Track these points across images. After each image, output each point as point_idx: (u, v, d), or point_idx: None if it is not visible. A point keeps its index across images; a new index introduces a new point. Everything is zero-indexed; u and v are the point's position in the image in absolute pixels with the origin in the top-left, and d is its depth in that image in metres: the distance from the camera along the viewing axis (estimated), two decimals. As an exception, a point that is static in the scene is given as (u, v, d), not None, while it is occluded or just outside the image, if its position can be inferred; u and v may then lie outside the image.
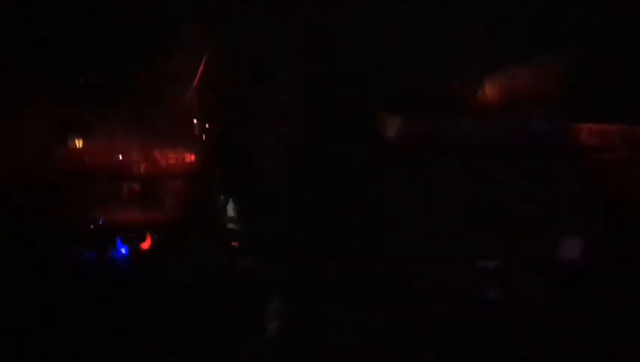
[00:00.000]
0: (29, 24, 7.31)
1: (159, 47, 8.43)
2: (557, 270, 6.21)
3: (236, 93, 8.20)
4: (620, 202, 7.16)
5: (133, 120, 8.81)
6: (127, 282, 6.72)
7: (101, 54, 8.15)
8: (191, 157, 9.80)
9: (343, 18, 7.11)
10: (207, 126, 9.69)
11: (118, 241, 7.41)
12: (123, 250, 7.40)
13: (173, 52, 8.61)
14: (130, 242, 7.49)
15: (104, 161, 8.61)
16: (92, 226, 7.53)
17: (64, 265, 6.62)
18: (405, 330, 5.10)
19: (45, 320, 5.84)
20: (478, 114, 7.12)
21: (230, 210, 10.42)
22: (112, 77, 8.47)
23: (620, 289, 5.82)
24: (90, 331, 5.65)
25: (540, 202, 6.43)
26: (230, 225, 10.13)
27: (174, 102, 9.17)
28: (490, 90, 9.29)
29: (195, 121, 9.62)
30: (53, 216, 7.18)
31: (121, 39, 8.20)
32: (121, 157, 9.16)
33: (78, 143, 8.70)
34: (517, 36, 7.85)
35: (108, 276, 6.76)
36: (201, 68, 8.86)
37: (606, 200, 7.23)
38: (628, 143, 7.91)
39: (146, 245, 7.64)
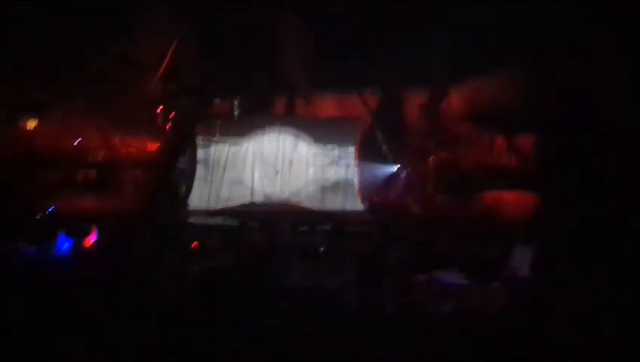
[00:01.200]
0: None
1: (125, 32, 7.95)
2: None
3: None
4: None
5: (94, 103, 8.34)
6: (69, 280, 6.28)
7: (61, 32, 7.65)
8: (153, 147, 9.41)
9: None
10: (170, 116, 9.33)
11: (62, 235, 6.94)
12: (66, 245, 6.94)
13: (140, 40, 8.15)
14: (75, 236, 7.01)
15: (58, 145, 8.13)
16: (35, 217, 7.06)
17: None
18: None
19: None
20: None
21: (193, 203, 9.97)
22: (72, 54, 7.99)
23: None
24: (25, 332, 5.26)
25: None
26: (192, 220, 9.75)
27: (139, 89, 8.73)
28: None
29: (158, 110, 9.24)
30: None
31: (83, 16, 7.71)
32: (77, 142, 8.74)
33: (30, 124, 8.25)
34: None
35: (48, 274, 6.29)
36: (167, 59, 8.43)
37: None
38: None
39: (91, 239, 7.17)
